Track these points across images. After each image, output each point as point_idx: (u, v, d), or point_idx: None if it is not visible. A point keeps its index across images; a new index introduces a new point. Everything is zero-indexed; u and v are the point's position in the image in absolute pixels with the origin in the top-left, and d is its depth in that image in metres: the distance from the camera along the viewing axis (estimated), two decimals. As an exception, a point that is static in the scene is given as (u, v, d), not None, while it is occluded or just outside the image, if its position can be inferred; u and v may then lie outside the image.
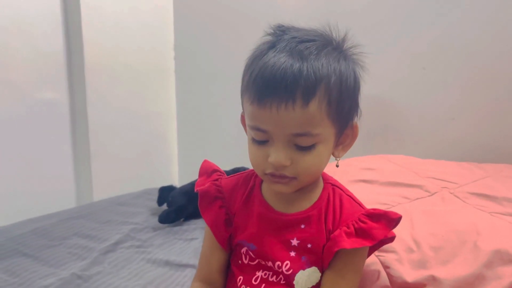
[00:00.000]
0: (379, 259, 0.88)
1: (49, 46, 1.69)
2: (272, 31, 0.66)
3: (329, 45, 0.64)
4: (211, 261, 0.76)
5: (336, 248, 0.65)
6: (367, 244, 0.65)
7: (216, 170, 0.79)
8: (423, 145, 1.49)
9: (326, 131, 0.63)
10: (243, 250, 0.72)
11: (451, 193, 1.07)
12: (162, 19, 2.04)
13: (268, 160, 0.63)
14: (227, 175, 0.80)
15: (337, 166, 0.75)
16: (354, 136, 0.69)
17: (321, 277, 0.69)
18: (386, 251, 0.88)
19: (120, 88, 1.91)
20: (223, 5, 1.93)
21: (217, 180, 0.76)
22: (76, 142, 1.81)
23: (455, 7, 1.40)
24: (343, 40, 0.67)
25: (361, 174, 1.19)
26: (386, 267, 0.85)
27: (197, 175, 0.79)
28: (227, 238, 0.74)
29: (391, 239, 0.72)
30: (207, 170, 0.79)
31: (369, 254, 0.75)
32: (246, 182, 0.75)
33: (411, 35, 1.47)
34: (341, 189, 0.73)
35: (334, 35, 0.67)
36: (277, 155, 0.62)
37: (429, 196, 1.06)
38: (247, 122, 0.66)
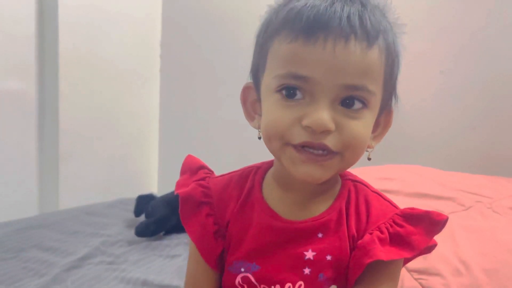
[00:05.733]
0: (420, 284, 0.73)
1: (19, 28, 1.54)
2: None
3: (379, 8, 0.57)
4: (199, 284, 0.63)
5: (368, 259, 0.54)
6: (406, 255, 0.55)
7: (202, 167, 0.65)
8: (440, 156, 1.40)
9: (378, 95, 0.55)
10: (239, 278, 0.59)
11: (488, 207, 0.95)
12: (150, 10, 1.94)
13: (303, 122, 0.51)
14: None
15: (369, 159, 0.62)
16: (386, 124, 0.60)
17: None
18: (428, 273, 0.75)
19: (98, 83, 1.77)
20: (214, 1, 1.87)
21: (203, 179, 0.63)
22: (43, 140, 1.67)
23: (478, 4, 1.34)
24: (385, 10, 0.58)
25: (380, 184, 1.05)
26: (430, 293, 0.72)
27: (179, 185, 0.67)
28: (218, 255, 0.61)
29: (431, 247, 0.61)
30: (191, 167, 0.65)
31: (404, 263, 0.63)
32: (241, 183, 0.62)
33: (428, 35, 1.40)
34: (365, 185, 0.62)
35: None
36: (320, 114, 0.50)
37: (464, 210, 0.95)
38: (275, 72, 0.53)
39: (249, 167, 0.64)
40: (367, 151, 0.60)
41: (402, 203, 0.96)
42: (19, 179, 1.63)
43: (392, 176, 1.12)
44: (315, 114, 0.50)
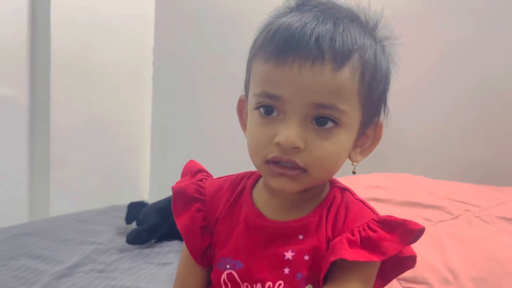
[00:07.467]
0: (409, 293, 0.73)
1: (10, 34, 1.54)
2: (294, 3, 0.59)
3: (362, 24, 0.58)
4: (185, 281, 0.66)
5: (333, 257, 0.54)
6: (373, 258, 0.54)
7: (202, 170, 0.69)
8: (428, 165, 1.41)
9: (353, 113, 0.55)
10: (224, 275, 0.61)
11: (476, 216, 0.97)
12: (143, 17, 1.95)
13: (275, 139, 0.54)
14: None
15: (354, 173, 0.63)
16: (376, 138, 0.61)
17: None
18: (416, 282, 0.75)
19: (90, 89, 1.77)
20: (208, 9, 1.87)
21: (201, 180, 0.67)
22: (34, 147, 1.66)
23: (467, 15, 1.35)
24: (376, 26, 0.60)
25: (370, 193, 1.07)
26: (419, 302, 0.72)
27: (170, 192, 0.68)
28: (202, 250, 0.64)
29: (412, 259, 0.60)
30: (192, 170, 0.69)
31: (388, 280, 0.63)
32: (234, 185, 0.66)
33: (419, 45, 1.40)
34: (351, 193, 0.63)
35: (366, 18, 0.60)
36: (289, 132, 0.53)
37: (452, 219, 0.97)
38: (253, 91, 0.57)
39: (245, 172, 0.66)
40: (353, 165, 0.61)
41: (391, 212, 0.96)
42: (9, 186, 1.62)
43: (382, 184, 1.13)
44: (285, 131, 0.53)
